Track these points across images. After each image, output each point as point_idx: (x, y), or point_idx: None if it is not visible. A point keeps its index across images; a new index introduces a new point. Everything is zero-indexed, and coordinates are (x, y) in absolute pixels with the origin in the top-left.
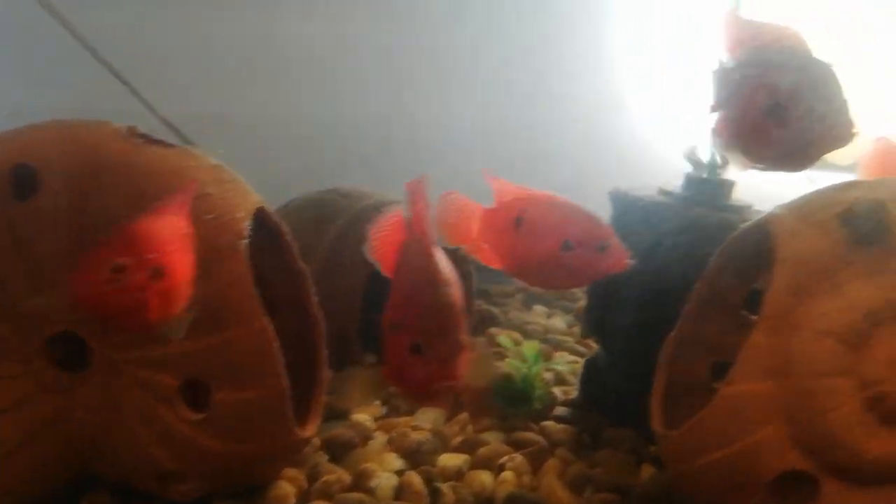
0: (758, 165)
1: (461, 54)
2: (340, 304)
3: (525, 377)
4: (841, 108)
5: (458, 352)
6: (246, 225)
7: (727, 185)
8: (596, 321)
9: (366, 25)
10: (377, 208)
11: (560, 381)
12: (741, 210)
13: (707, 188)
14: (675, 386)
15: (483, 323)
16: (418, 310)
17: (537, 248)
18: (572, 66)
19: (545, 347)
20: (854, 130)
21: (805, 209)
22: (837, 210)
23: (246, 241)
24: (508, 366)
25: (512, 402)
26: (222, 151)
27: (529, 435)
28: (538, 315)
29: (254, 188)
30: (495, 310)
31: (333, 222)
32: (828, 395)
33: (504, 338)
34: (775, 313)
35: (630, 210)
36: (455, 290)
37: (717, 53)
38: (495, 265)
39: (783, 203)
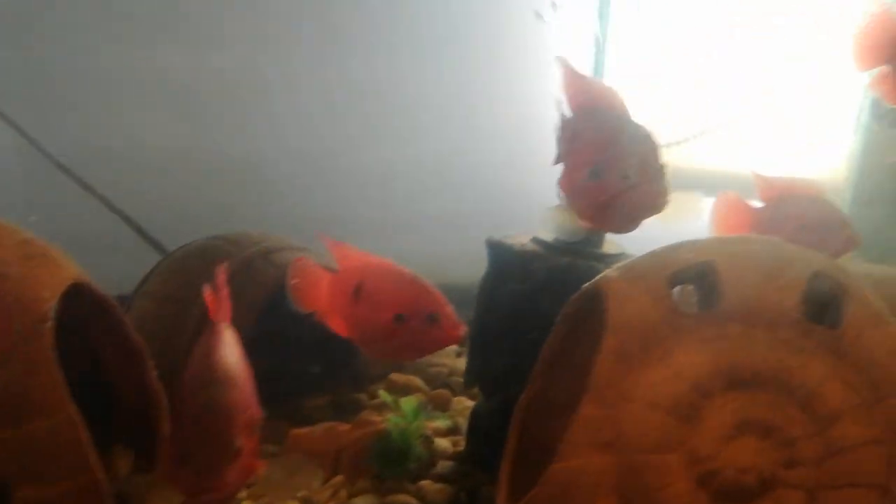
0: (585, 224)
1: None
2: None
3: (403, 434)
4: (654, 174)
5: (227, 460)
6: (51, 306)
7: (598, 233)
8: (476, 370)
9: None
10: (264, 255)
11: (454, 430)
12: (610, 259)
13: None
14: (532, 451)
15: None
16: (188, 410)
17: (372, 318)
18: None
19: (443, 394)
20: (666, 198)
21: (636, 271)
22: (667, 273)
23: (50, 324)
24: (388, 422)
25: (387, 463)
26: (35, 219)
27: (403, 497)
28: (447, 355)
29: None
30: None
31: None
32: (658, 471)
33: (384, 392)
34: (606, 383)
35: (504, 259)
36: (234, 391)
37: (561, 105)
38: (342, 333)
39: (619, 263)
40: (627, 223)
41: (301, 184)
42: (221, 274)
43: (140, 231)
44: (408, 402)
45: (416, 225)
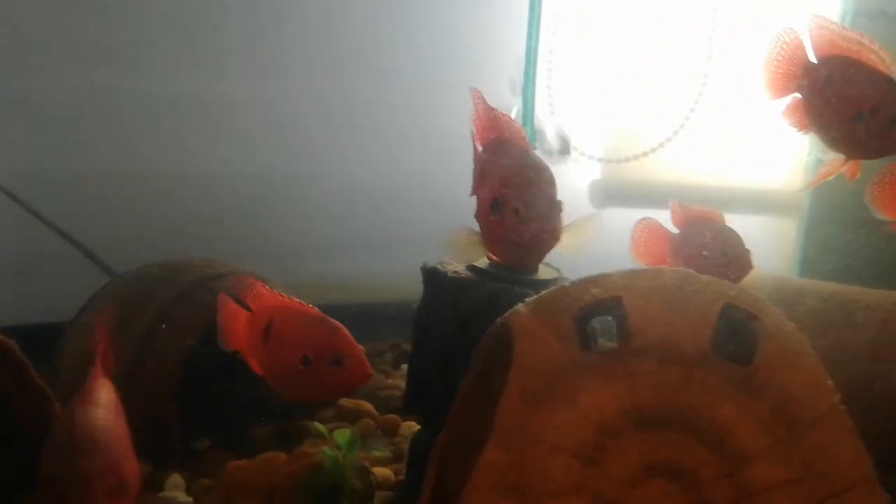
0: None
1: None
2: (156, 389)
3: (336, 467)
4: (545, 211)
5: None
6: None
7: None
8: (413, 398)
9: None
10: (205, 283)
11: (398, 458)
12: (542, 285)
13: None
14: (451, 485)
15: None
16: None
17: (280, 359)
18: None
19: (392, 419)
20: (553, 234)
21: (544, 308)
22: (575, 310)
23: None
24: (321, 455)
25: (319, 498)
26: None
27: None
28: (401, 377)
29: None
30: None
31: (154, 299)
32: None
33: (318, 424)
34: (510, 426)
35: (437, 285)
36: (92, 458)
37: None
38: (259, 373)
39: (531, 298)
40: (522, 258)
41: (256, 204)
42: (101, 328)
43: (89, 255)
44: (341, 434)
45: (377, 243)
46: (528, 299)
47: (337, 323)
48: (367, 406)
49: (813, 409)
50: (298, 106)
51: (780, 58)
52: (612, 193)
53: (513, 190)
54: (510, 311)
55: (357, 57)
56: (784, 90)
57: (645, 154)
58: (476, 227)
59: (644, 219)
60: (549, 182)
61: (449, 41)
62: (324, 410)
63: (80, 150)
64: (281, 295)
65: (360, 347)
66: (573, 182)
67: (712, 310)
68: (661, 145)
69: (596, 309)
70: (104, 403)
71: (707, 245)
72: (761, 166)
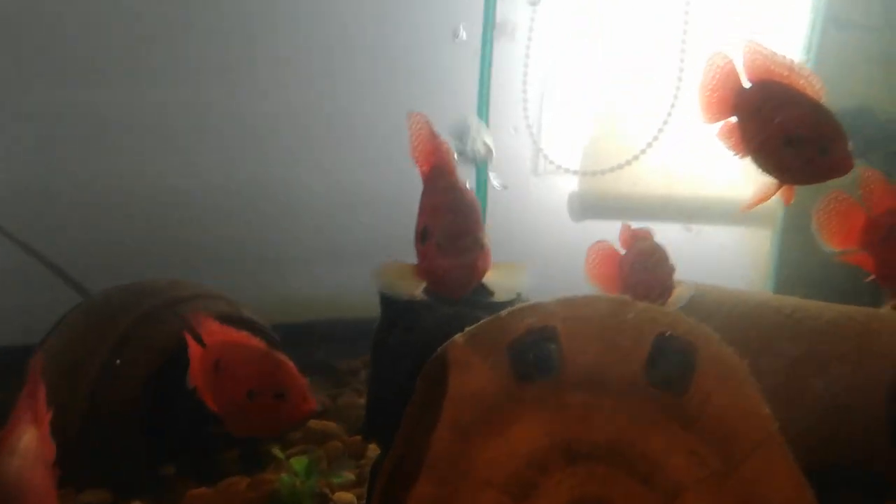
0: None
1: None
2: (120, 415)
3: (294, 495)
4: (464, 246)
5: None
6: None
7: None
8: (372, 422)
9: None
10: (167, 307)
11: (365, 480)
12: (497, 307)
13: None
14: None
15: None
16: None
17: (228, 394)
18: None
19: (357, 441)
20: (476, 270)
21: (479, 338)
22: (509, 340)
23: None
24: (280, 483)
25: None
26: None
27: None
28: None
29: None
30: (325, 395)
31: (118, 324)
32: None
33: (277, 449)
34: (442, 459)
35: (393, 307)
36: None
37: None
38: (212, 408)
39: (470, 328)
40: (442, 289)
41: (227, 218)
42: (33, 373)
43: (61, 273)
44: (298, 462)
45: (348, 256)
46: (465, 329)
47: (282, 357)
48: (335, 426)
49: (748, 439)
50: (273, 118)
51: (714, 82)
52: (589, 206)
53: (436, 221)
54: (449, 341)
55: (330, 70)
56: (719, 114)
57: (620, 166)
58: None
59: (598, 242)
60: (473, 217)
61: (416, 58)
62: (293, 433)
63: (48, 166)
64: (230, 329)
65: (304, 382)
66: (554, 195)
67: (646, 338)
68: (636, 157)
69: (529, 339)
70: (22, 452)
71: (633, 264)
72: (735, 178)
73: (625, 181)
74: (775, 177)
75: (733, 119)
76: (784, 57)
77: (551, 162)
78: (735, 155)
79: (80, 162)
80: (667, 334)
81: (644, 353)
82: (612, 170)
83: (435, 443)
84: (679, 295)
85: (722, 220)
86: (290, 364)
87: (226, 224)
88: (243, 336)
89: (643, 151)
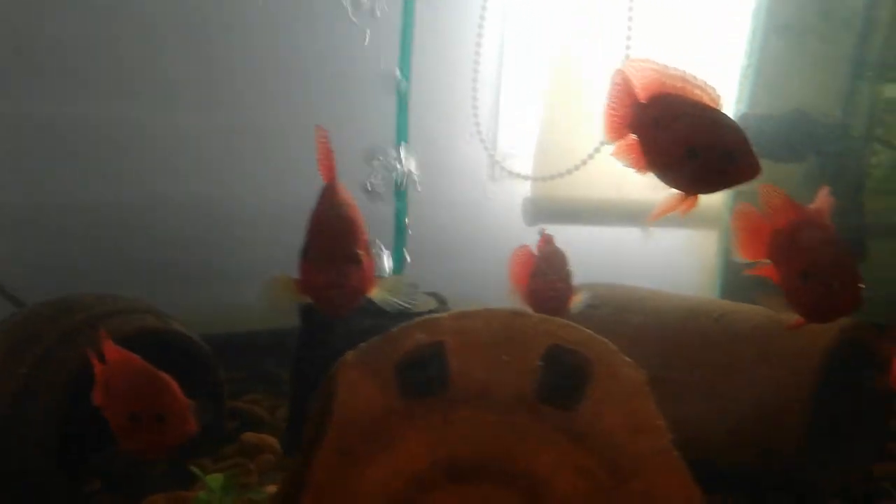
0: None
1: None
2: (40, 431)
3: None
4: (338, 265)
5: None
6: None
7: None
8: (292, 437)
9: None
10: (91, 324)
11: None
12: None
13: None
14: None
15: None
16: None
17: (115, 415)
18: None
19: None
20: (351, 290)
21: (368, 355)
22: (397, 357)
23: None
24: (196, 501)
25: None
26: None
27: None
28: None
29: None
30: (262, 408)
31: (41, 339)
32: None
33: (195, 467)
34: (326, 480)
35: (312, 321)
36: None
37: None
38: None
39: (361, 344)
40: (322, 305)
41: (169, 230)
42: None
43: None
44: (214, 479)
45: (294, 266)
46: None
47: (166, 379)
48: (271, 441)
49: (638, 453)
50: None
51: (613, 101)
52: (542, 211)
53: (314, 238)
54: (341, 358)
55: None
56: (620, 132)
57: (569, 171)
58: None
59: (519, 247)
60: (350, 235)
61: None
62: (227, 446)
63: None
64: (121, 350)
65: (186, 403)
66: (508, 200)
67: (537, 352)
68: (583, 163)
69: (419, 355)
70: None
71: (533, 270)
72: None
73: (579, 186)
74: (678, 188)
75: (632, 136)
76: (676, 69)
77: (503, 168)
78: (636, 171)
79: (13, 173)
80: (559, 348)
81: (534, 368)
82: (560, 175)
83: (318, 464)
84: (574, 302)
85: (670, 223)
86: (173, 386)
87: (168, 235)
88: (133, 356)
89: (590, 156)
